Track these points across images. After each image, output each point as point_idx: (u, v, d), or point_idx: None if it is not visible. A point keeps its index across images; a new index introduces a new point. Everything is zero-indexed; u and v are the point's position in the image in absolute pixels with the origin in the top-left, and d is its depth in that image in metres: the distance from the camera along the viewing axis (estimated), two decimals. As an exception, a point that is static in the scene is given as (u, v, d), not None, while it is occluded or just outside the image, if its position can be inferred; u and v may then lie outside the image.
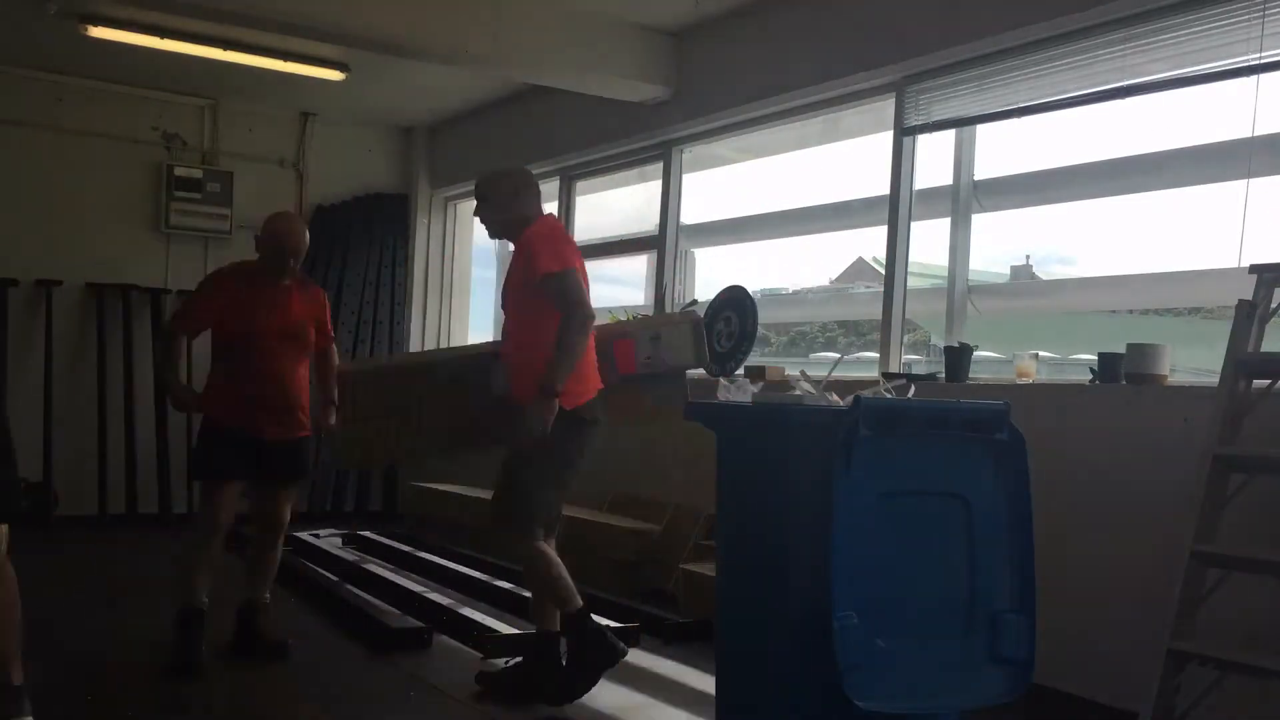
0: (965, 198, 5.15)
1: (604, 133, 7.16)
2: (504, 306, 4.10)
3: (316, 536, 7.06)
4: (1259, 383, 3.55)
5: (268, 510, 4.41)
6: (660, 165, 6.95)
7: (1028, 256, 5.58)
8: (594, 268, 7.88)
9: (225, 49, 6.84)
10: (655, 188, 7.01)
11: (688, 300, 6.74)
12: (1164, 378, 4.09)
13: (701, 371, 4.92)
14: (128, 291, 7.93)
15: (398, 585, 5.63)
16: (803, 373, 3.42)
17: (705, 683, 4.35)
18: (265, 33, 6.40)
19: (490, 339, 9.10)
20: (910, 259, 5.37)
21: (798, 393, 3.09)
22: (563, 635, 3.93)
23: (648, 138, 6.91)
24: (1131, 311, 5.16)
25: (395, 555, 6.67)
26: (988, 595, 2.91)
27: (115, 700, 3.78)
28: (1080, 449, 4.20)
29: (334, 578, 5.85)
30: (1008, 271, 5.70)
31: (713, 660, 4.54)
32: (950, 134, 5.19)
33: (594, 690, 3.91)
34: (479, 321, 9.21)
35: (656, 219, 6.96)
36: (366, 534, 7.24)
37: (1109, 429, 4.13)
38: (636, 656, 4.64)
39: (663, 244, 6.86)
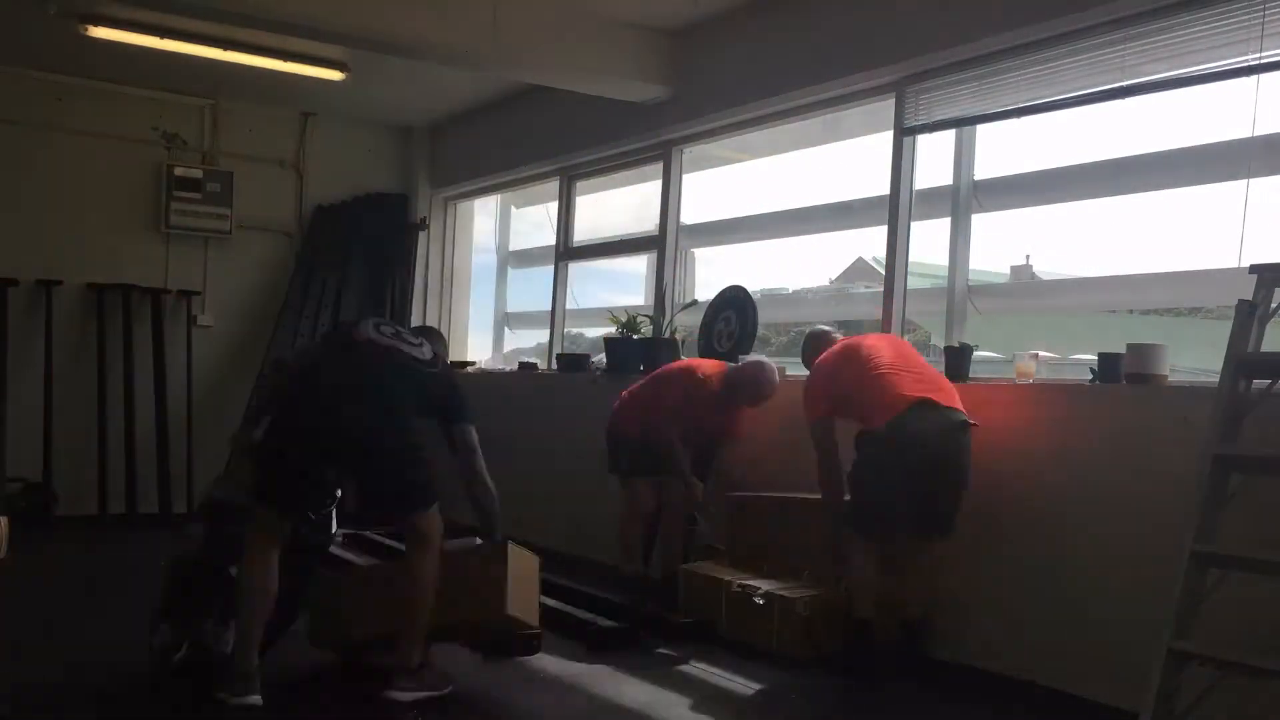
0: (965, 198, 5.14)
1: (604, 133, 7.16)
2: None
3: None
4: (1259, 383, 3.55)
5: None
6: (660, 165, 6.95)
7: (1028, 256, 5.59)
8: (594, 267, 7.95)
9: (225, 49, 6.84)
10: (655, 188, 7.00)
11: (687, 300, 6.74)
12: (1164, 378, 4.08)
13: None
14: (128, 291, 7.92)
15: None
16: None
17: (711, 678, 4.37)
18: (265, 33, 6.40)
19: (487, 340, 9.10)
20: (910, 259, 5.36)
21: None
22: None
23: (648, 138, 6.90)
24: (1131, 311, 5.16)
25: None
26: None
27: (115, 700, 3.77)
28: (1080, 449, 4.20)
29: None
30: (1008, 271, 5.70)
31: (713, 659, 4.58)
32: (950, 134, 5.18)
33: (608, 686, 4.24)
34: (479, 320, 9.22)
35: (656, 219, 6.96)
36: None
37: (1109, 429, 4.13)
38: (641, 653, 4.70)
39: (663, 244, 6.86)
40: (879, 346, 4.58)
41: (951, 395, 4.38)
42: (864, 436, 4.37)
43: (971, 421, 4.30)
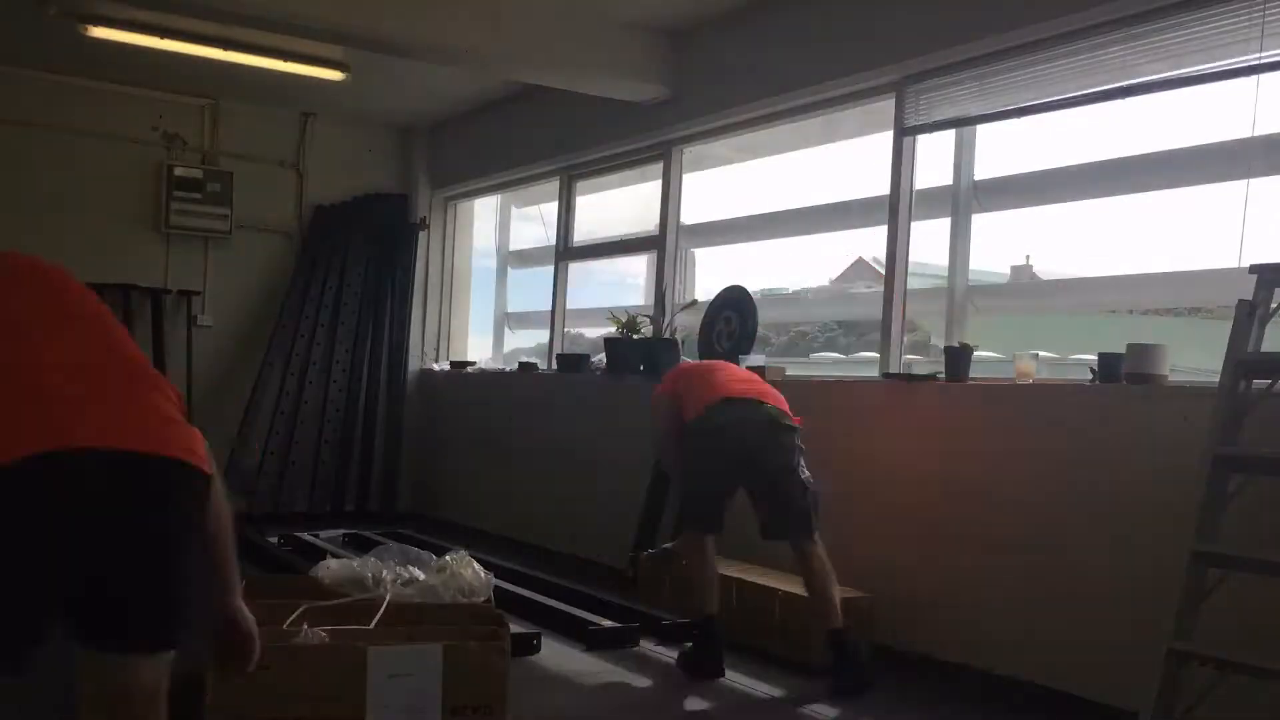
0: (965, 198, 5.14)
1: (604, 133, 7.16)
2: None
3: (316, 536, 7.04)
4: (1259, 383, 3.55)
5: None
6: (660, 165, 6.95)
7: (1028, 256, 5.58)
8: (594, 268, 7.96)
9: (225, 49, 6.83)
10: (655, 187, 7.00)
11: (687, 300, 6.74)
12: (1164, 378, 4.09)
13: None
14: (128, 291, 7.91)
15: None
16: None
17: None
18: (265, 33, 6.40)
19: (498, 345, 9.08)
20: (910, 259, 5.37)
21: None
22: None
23: (648, 138, 6.90)
24: (1131, 311, 5.16)
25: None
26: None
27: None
28: (1080, 448, 4.21)
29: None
30: (1008, 271, 5.70)
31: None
32: (950, 134, 5.18)
33: (608, 685, 4.31)
34: (479, 320, 9.22)
35: (656, 219, 6.96)
36: (367, 534, 7.23)
37: (1109, 429, 4.13)
38: (640, 653, 4.69)
39: (663, 244, 6.86)
40: (714, 365, 4.94)
41: (776, 398, 4.58)
42: (684, 428, 4.58)
43: (790, 424, 4.47)
